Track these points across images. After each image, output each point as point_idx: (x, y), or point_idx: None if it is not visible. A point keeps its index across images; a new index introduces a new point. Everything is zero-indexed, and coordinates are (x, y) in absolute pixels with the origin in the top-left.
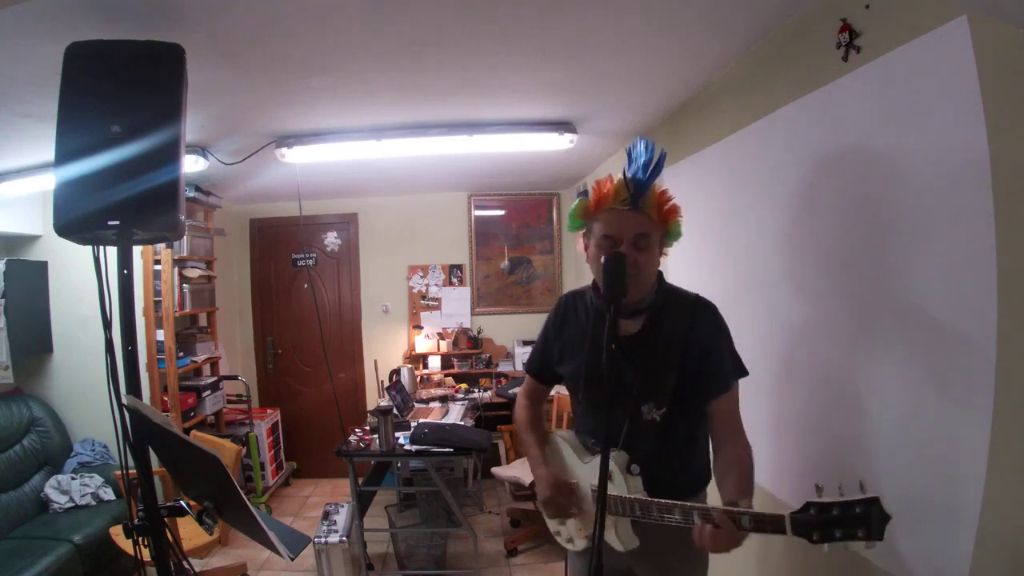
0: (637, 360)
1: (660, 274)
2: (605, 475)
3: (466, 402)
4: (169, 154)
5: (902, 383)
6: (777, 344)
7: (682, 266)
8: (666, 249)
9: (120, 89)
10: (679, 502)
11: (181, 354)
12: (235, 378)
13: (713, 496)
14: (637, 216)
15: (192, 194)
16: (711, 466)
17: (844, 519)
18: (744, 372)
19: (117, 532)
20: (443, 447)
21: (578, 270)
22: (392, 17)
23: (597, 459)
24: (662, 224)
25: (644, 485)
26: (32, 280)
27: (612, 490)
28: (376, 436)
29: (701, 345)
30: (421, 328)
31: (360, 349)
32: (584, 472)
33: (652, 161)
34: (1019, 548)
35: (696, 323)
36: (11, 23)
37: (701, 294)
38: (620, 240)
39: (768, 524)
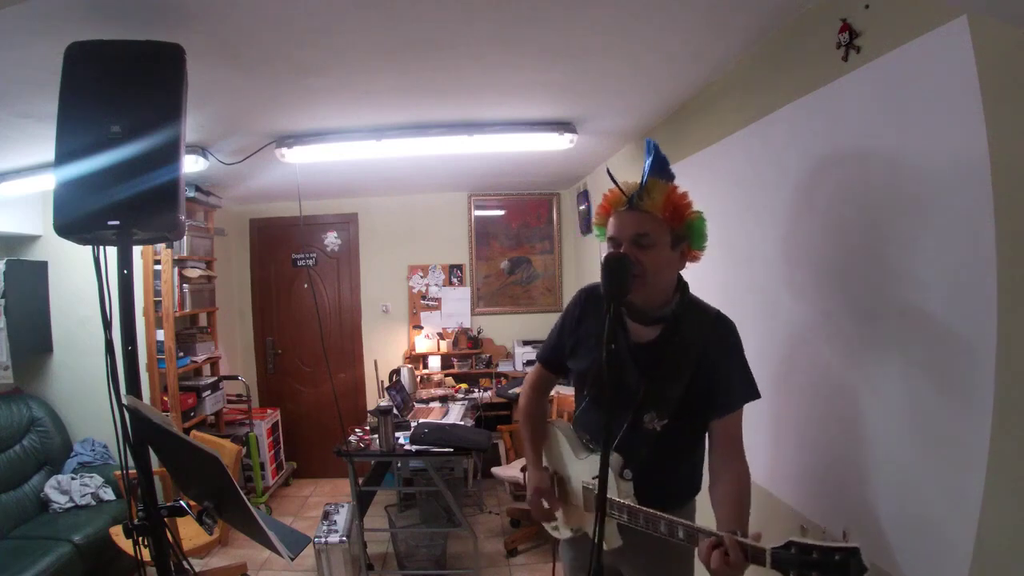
0: (645, 368)
1: (686, 286)
2: (605, 480)
3: (466, 402)
4: (169, 154)
5: (902, 383)
6: (777, 344)
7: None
8: (695, 251)
9: (120, 89)
10: (666, 515)
11: (181, 354)
12: (235, 378)
13: (702, 506)
14: (636, 215)
15: (192, 194)
16: (707, 484)
17: (822, 564)
18: (754, 395)
19: (117, 532)
20: (443, 447)
21: (578, 270)
22: (392, 17)
23: (591, 457)
24: (671, 223)
25: (635, 491)
26: (32, 280)
27: None
28: (376, 436)
29: (712, 362)
30: (421, 328)
31: (360, 349)
32: (576, 468)
33: (649, 160)
34: (1019, 549)
35: (711, 339)
36: (11, 23)
37: (721, 310)
38: (620, 241)
39: (748, 555)
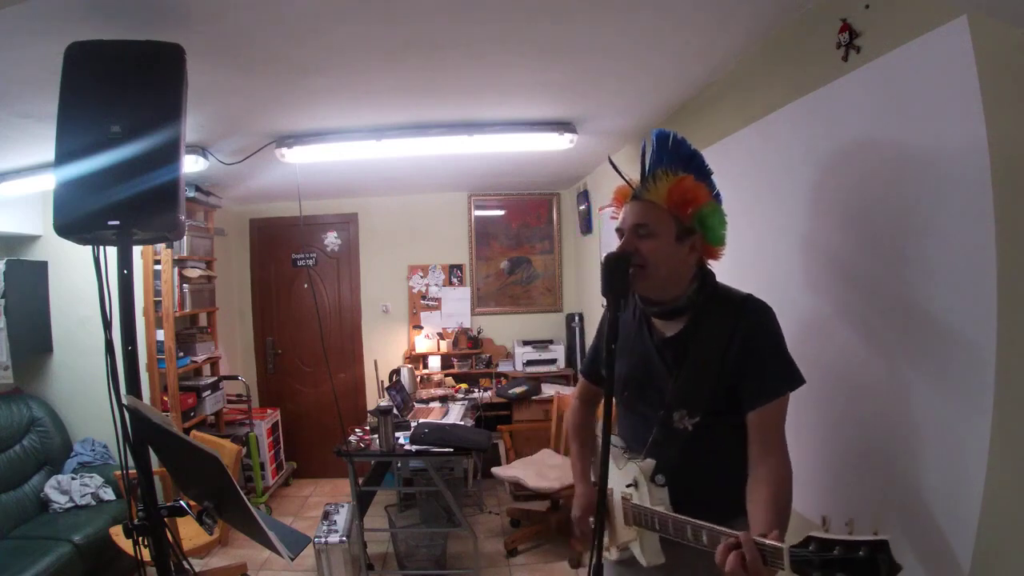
0: (671, 364)
1: (709, 273)
2: (605, 479)
3: (466, 402)
4: (169, 154)
5: (902, 382)
6: None
7: None
8: (710, 247)
9: (120, 89)
10: (693, 520)
11: (181, 354)
12: (235, 378)
13: None
14: (638, 205)
15: (192, 194)
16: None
17: (847, 562)
18: (795, 383)
19: (117, 532)
20: (443, 447)
21: (578, 270)
22: (392, 17)
23: (629, 465)
24: (675, 211)
25: (672, 498)
26: (32, 280)
27: (636, 499)
28: (376, 436)
29: (740, 350)
30: (421, 328)
31: (360, 349)
32: (616, 478)
33: (646, 150)
34: (1019, 548)
35: (738, 326)
36: (11, 23)
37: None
38: (623, 231)
39: (767, 556)
